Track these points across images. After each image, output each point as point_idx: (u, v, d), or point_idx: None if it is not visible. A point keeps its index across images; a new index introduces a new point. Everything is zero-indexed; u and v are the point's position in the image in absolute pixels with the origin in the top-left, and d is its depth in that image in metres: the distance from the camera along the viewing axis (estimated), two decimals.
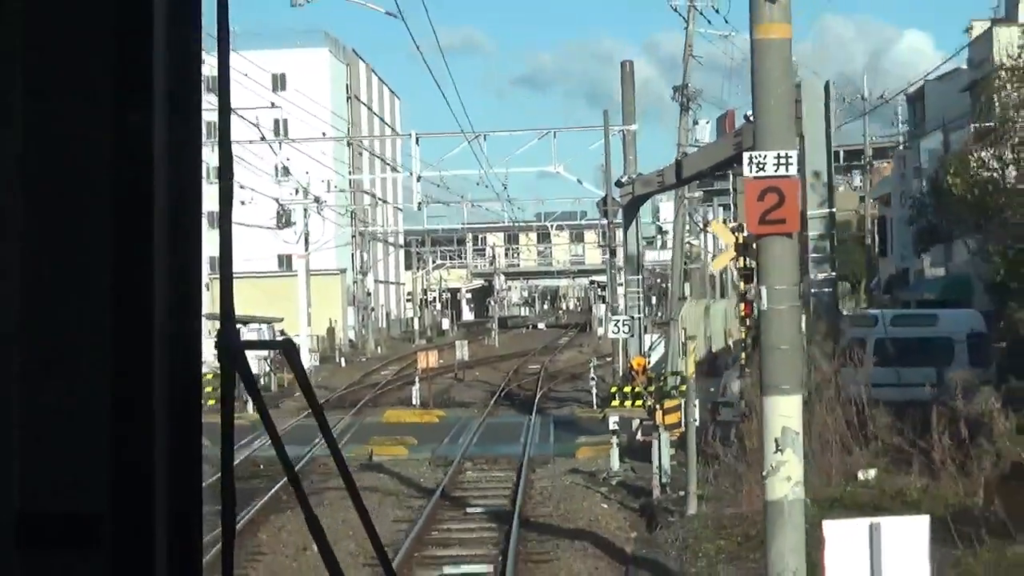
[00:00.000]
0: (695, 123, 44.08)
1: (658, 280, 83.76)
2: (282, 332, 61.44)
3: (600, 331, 75.59)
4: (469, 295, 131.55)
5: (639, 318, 37.36)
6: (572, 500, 22.76)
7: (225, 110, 2.02)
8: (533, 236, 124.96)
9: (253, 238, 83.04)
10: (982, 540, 15.33)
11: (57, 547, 1.89)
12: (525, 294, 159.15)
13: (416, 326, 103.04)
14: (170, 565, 1.90)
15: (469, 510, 22.48)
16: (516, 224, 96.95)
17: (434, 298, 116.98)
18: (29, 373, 1.90)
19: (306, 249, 68.78)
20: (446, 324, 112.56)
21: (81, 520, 1.89)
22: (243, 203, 57.46)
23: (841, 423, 21.33)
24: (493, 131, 53.29)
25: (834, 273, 23.56)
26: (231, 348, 1.98)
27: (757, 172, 14.40)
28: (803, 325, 20.40)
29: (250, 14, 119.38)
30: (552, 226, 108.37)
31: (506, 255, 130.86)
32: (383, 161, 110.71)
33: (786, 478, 14.26)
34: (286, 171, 70.82)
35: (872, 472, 20.68)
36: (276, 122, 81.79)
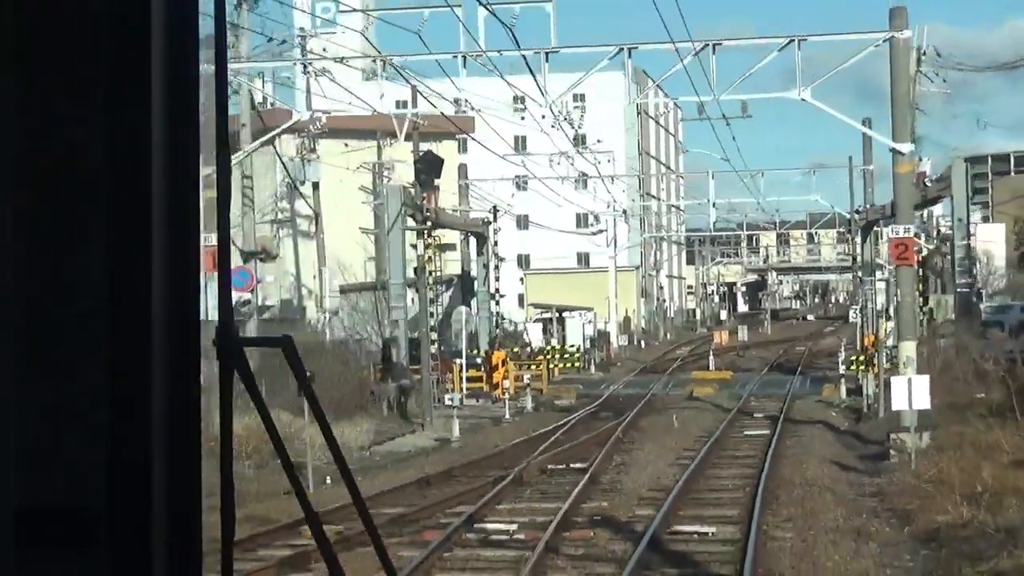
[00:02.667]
0: (919, 159, 60.45)
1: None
2: (591, 320, 80.00)
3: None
4: (744, 289, 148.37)
5: (872, 308, 54.16)
6: (815, 412, 40.14)
7: (223, 109, 2.06)
8: (802, 237, 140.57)
9: (557, 239, 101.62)
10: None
11: (56, 546, 1.92)
12: (796, 288, 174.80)
13: (697, 316, 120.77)
14: (170, 564, 1.95)
15: (755, 416, 40.07)
16: (783, 226, 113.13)
17: (712, 291, 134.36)
18: (28, 372, 1.92)
19: (614, 252, 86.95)
20: (723, 315, 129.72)
21: (80, 519, 1.91)
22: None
23: (969, 370, 38.17)
24: (768, 168, 70.69)
25: (970, 279, 40.42)
26: (230, 345, 2.03)
27: (895, 235, 31.66)
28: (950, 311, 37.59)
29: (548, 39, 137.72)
30: (817, 233, 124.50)
31: (777, 253, 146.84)
32: (669, 168, 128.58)
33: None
34: (584, 182, 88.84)
35: (982, 394, 37.43)
36: (576, 136, 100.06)
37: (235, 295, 34.78)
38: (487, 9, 34.37)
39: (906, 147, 31.44)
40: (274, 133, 39.65)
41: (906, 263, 31.64)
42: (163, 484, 1.94)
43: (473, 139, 68.04)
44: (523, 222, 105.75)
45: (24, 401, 1.93)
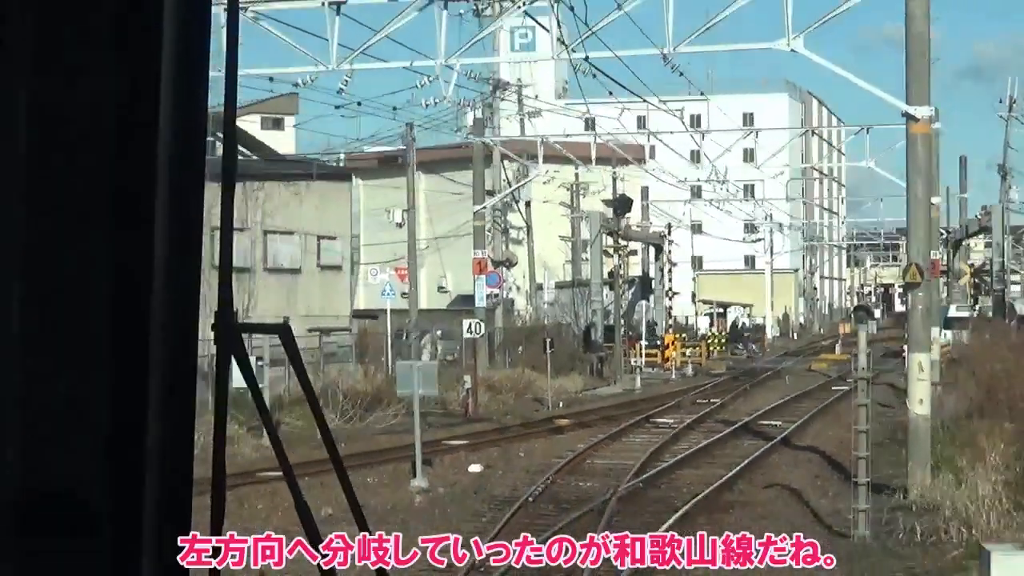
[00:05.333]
0: (1010, 187, 77.54)
1: None
2: (749, 315, 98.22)
3: None
4: (900, 290, 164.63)
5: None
6: (890, 378, 58.02)
7: (230, 106, 2.11)
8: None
9: (724, 246, 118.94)
10: None
11: (54, 535, 1.98)
12: None
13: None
14: (162, 552, 2.03)
15: (847, 380, 58.02)
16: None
17: (870, 292, 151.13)
18: (28, 363, 1.97)
19: (770, 258, 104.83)
20: (877, 313, 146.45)
21: (78, 508, 1.98)
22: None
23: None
24: (888, 195, 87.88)
25: (1003, 285, 57.96)
26: (228, 331, 2.10)
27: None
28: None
29: (725, 67, 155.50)
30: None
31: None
32: (834, 180, 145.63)
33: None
34: (753, 193, 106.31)
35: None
36: (745, 151, 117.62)
37: (488, 290, 53.36)
38: (663, 108, 52.99)
39: (936, 198, 49.14)
40: (518, 185, 58.77)
41: (933, 276, 49.33)
42: (158, 473, 1.99)
43: (651, 174, 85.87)
44: (697, 227, 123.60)
45: (23, 390, 1.95)
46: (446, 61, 28.70)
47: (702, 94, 55.17)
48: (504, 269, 60.21)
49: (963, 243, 73.12)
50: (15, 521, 1.95)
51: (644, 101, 51.75)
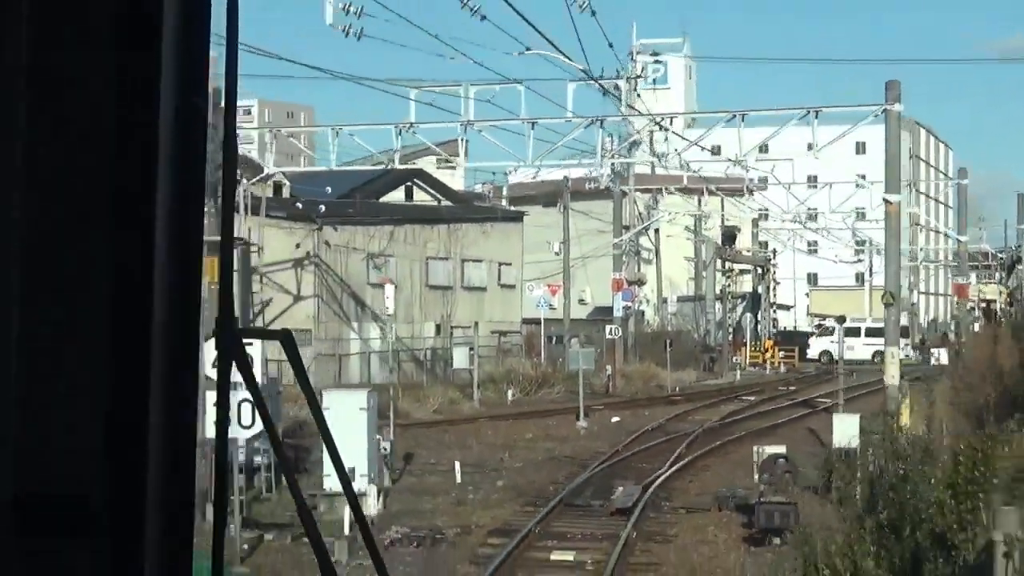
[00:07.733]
0: None
1: None
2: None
3: None
4: (1002, 304, 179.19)
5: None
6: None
7: (231, 110, 2.13)
8: None
9: (831, 267, 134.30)
10: None
11: (55, 535, 1.99)
12: None
13: (952, 327, 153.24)
14: (162, 552, 2.04)
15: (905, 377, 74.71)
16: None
17: (972, 307, 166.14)
18: (28, 363, 1.97)
19: (870, 275, 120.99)
20: (976, 327, 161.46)
21: (78, 508, 1.98)
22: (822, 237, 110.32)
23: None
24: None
25: None
26: (229, 337, 2.13)
27: (955, 281, 66.09)
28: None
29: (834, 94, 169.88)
30: None
31: None
32: (934, 199, 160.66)
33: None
34: (862, 215, 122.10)
35: None
36: (857, 176, 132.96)
37: (623, 304, 70.27)
38: (765, 170, 69.98)
39: (963, 237, 65.57)
40: (649, 223, 75.97)
41: (964, 296, 65.75)
42: (159, 473, 2.00)
43: (751, 206, 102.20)
44: (813, 247, 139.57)
45: (23, 390, 1.96)
46: (601, 162, 46.54)
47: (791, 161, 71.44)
48: (636, 287, 77.48)
49: (1015, 267, 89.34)
50: (15, 521, 1.97)
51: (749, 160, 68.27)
